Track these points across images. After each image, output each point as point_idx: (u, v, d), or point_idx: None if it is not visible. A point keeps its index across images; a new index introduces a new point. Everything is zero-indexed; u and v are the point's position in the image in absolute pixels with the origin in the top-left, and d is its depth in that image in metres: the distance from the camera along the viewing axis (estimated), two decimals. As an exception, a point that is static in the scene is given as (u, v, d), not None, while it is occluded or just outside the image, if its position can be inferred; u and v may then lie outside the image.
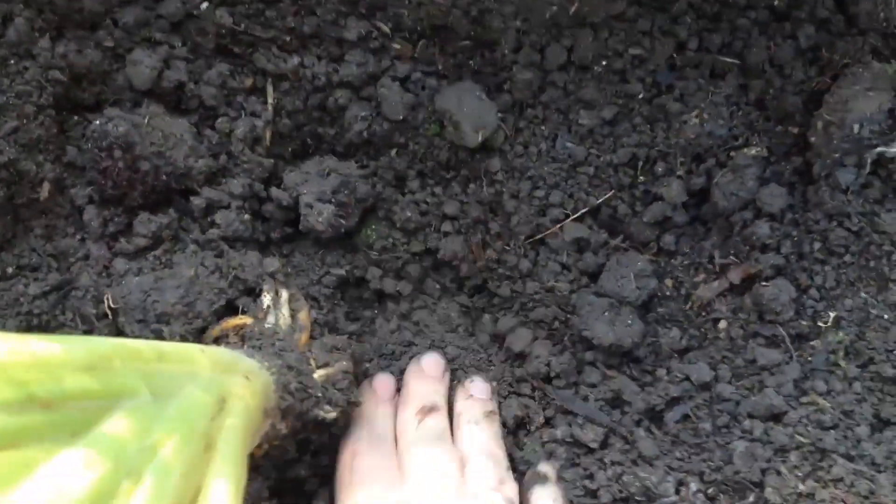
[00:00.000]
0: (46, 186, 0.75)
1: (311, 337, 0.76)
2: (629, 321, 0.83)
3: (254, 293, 0.75)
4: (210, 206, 0.77)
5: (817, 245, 0.81)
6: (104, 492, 0.37)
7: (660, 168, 0.82)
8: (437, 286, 0.86)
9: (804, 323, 0.81)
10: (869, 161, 0.78)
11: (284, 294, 0.75)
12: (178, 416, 0.46)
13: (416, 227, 0.84)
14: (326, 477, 0.78)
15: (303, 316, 0.76)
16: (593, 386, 0.85)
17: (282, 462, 0.74)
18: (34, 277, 0.76)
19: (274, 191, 0.80)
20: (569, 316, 0.85)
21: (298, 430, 0.71)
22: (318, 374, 0.72)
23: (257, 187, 0.79)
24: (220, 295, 0.74)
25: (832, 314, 0.80)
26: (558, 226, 0.83)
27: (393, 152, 0.83)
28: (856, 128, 0.77)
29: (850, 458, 0.77)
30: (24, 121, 0.72)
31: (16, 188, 0.73)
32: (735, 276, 0.83)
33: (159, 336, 0.72)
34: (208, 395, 0.51)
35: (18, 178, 0.72)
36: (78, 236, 0.77)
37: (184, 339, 0.72)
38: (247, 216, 0.78)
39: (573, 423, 0.84)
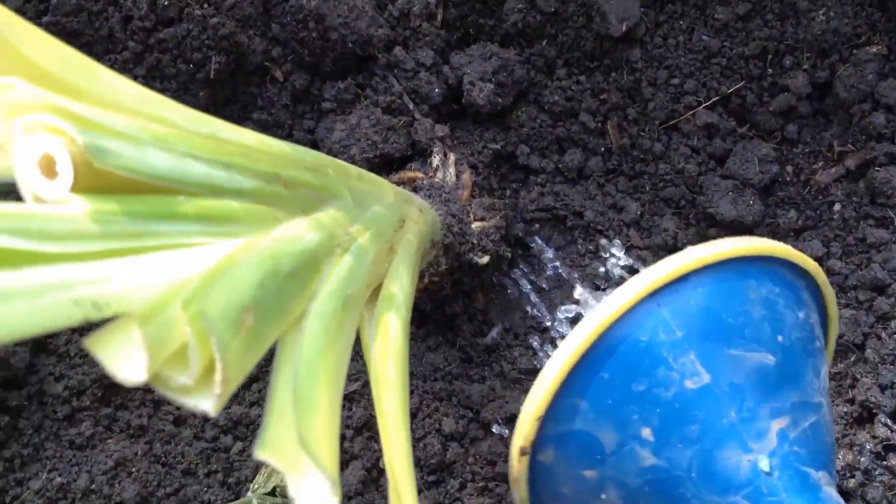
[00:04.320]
0: (256, 57, 0.88)
1: (471, 196, 0.88)
2: (751, 201, 0.92)
3: (424, 153, 0.88)
4: (391, 68, 0.90)
5: (931, 135, 0.89)
6: (322, 250, 0.49)
7: (787, 61, 0.91)
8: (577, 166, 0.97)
9: (914, 206, 0.90)
10: None
11: (452, 157, 0.88)
12: (372, 219, 0.59)
13: (561, 110, 0.95)
14: (472, 315, 0.91)
15: (465, 177, 0.88)
16: (713, 259, 0.95)
17: (439, 298, 0.87)
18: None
19: (444, 68, 0.92)
20: (696, 196, 0.95)
21: (455, 269, 0.84)
22: (475, 226, 0.85)
23: (437, 59, 0.91)
24: (373, 147, 0.87)
25: (941, 198, 0.89)
26: (691, 112, 0.93)
27: (544, 42, 0.94)
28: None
29: (948, 327, 0.86)
30: (239, -1, 0.85)
31: (234, 57, 0.86)
32: (851, 162, 0.91)
33: None
34: (393, 213, 0.64)
35: (235, 48, 0.86)
36: (282, 101, 0.91)
37: None
38: (434, 81, 0.90)
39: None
